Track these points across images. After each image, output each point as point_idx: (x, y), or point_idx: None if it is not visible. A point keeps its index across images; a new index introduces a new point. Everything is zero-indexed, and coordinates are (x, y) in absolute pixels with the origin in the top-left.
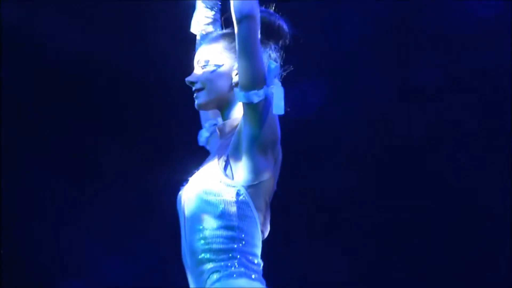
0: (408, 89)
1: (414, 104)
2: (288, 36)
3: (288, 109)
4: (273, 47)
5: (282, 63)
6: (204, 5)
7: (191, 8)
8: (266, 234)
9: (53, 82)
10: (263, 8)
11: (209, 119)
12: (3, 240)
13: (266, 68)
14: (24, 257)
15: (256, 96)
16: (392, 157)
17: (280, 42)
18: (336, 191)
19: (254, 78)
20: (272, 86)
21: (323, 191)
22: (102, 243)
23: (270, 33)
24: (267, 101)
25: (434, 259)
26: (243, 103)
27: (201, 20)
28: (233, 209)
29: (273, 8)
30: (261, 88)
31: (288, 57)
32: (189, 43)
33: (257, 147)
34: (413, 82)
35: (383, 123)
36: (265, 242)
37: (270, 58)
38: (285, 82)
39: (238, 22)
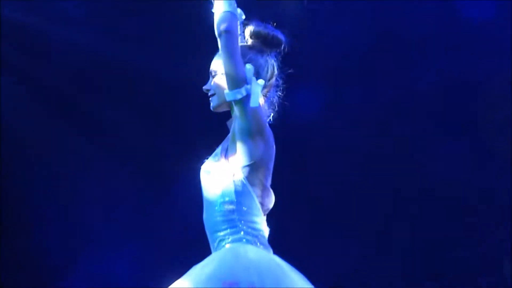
0: (407, 90)
1: (413, 104)
2: (284, 44)
3: (287, 103)
4: (270, 54)
5: (280, 66)
6: None
7: None
8: (270, 205)
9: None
10: (261, 23)
11: None
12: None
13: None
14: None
15: (239, 94)
16: (391, 157)
17: (277, 50)
18: (336, 189)
19: (235, 79)
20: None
21: (323, 189)
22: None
23: (266, 42)
24: (248, 97)
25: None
26: (232, 100)
27: None
28: (231, 187)
29: (272, 23)
30: (242, 86)
31: (290, 59)
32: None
33: (245, 135)
34: (412, 83)
35: (382, 124)
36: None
37: (268, 63)
38: (284, 84)
39: (218, 36)
